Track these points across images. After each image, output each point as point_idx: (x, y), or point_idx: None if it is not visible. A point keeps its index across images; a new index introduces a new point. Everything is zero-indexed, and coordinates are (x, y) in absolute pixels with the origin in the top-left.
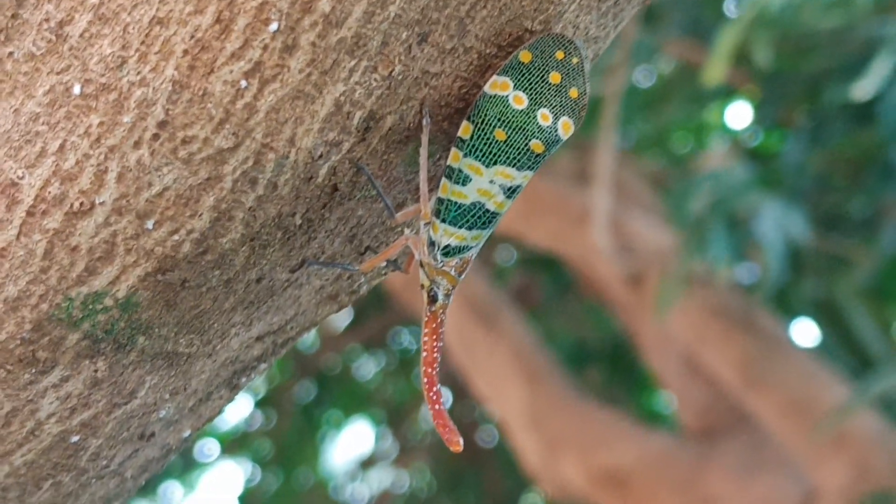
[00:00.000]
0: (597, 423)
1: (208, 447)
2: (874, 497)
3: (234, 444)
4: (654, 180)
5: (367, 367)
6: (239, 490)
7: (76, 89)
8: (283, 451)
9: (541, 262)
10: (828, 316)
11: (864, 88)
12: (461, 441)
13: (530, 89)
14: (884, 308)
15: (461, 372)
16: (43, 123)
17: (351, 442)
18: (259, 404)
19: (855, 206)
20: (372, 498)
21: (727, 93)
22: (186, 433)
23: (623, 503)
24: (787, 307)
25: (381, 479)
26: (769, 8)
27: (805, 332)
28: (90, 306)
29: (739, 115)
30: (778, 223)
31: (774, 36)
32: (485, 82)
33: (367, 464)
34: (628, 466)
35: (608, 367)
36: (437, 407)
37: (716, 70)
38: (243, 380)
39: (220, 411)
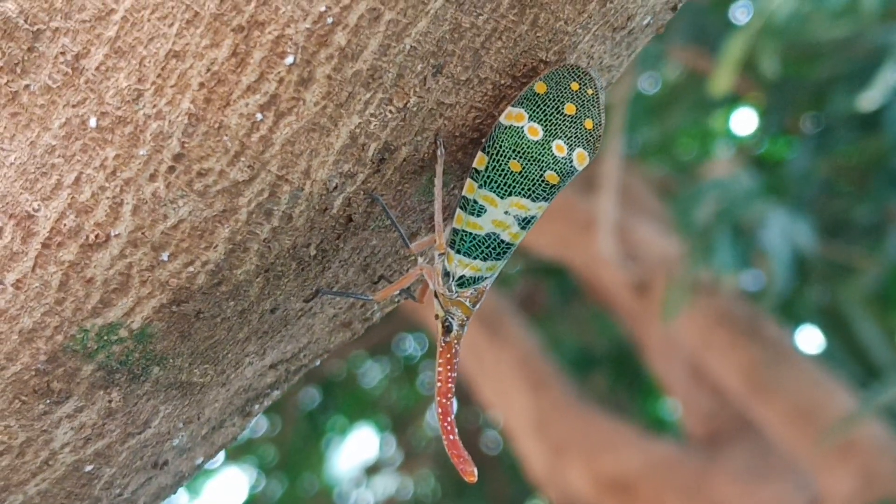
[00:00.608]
0: (602, 430)
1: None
2: None
3: (238, 450)
4: (660, 187)
5: (372, 374)
6: (243, 496)
7: (92, 122)
8: (288, 457)
9: (546, 269)
10: (833, 323)
11: (870, 99)
12: (475, 472)
13: (545, 120)
14: (889, 315)
15: (466, 378)
16: (59, 156)
17: (355, 448)
18: (264, 411)
19: (860, 214)
20: None
21: (732, 100)
22: (199, 460)
23: None
24: (792, 314)
25: (386, 485)
26: (776, 17)
27: (810, 339)
28: (105, 337)
29: (744, 122)
30: (784, 231)
31: (781, 45)
32: (500, 113)
33: (371, 470)
34: (634, 473)
35: (613, 373)
36: (451, 437)
37: (723, 80)
38: (256, 407)
39: (233, 439)
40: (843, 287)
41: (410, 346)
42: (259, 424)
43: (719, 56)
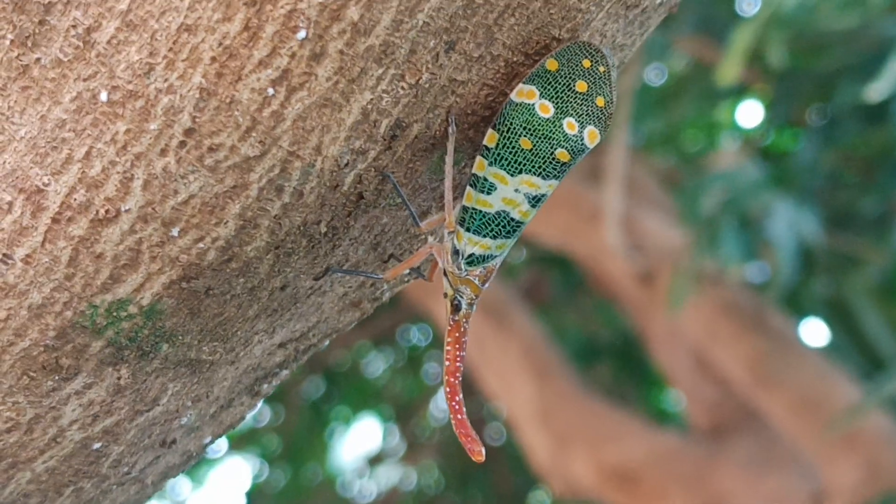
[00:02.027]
0: (606, 420)
1: (216, 443)
2: (884, 497)
3: (242, 439)
4: (666, 178)
5: (376, 364)
6: (247, 486)
7: (103, 96)
8: (292, 447)
9: (551, 259)
10: (838, 315)
11: (877, 90)
12: (483, 451)
13: (557, 98)
14: (894, 306)
15: (470, 368)
16: (69, 130)
17: (359, 438)
18: (267, 400)
19: (866, 205)
20: (380, 495)
21: (739, 91)
22: (207, 440)
23: (632, 500)
24: (797, 306)
25: (389, 475)
26: (783, 8)
27: (815, 331)
28: (114, 314)
29: (750, 113)
30: (789, 222)
31: (788, 35)
32: (511, 90)
33: (375, 460)
34: (638, 463)
35: (617, 364)
36: (459, 416)
37: (730, 70)
38: (265, 386)
39: (241, 418)
40: (848, 278)
41: (415, 336)
42: (263, 414)
43: (727, 46)
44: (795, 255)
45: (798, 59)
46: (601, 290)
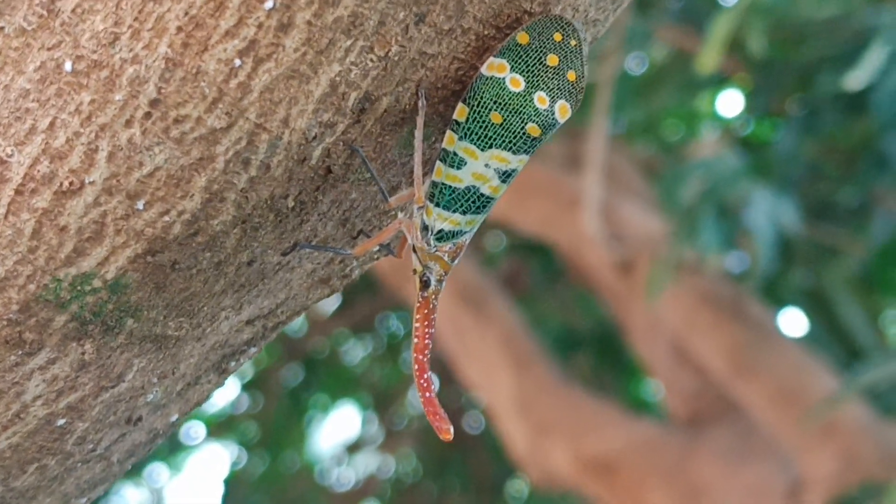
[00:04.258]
0: (585, 410)
1: (194, 430)
2: (861, 487)
3: (220, 426)
4: (646, 167)
5: (355, 352)
6: (225, 473)
7: (67, 66)
8: (270, 434)
9: (530, 247)
10: (817, 305)
11: (857, 78)
12: (451, 429)
13: (527, 71)
14: (873, 298)
15: (449, 357)
16: (33, 100)
17: (337, 426)
18: (246, 387)
19: (846, 196)
20: (358, 482)
21: (719, 81)
22: (174, 418)
23: (610, 490)
24: (776, 296)
25: (367, 463)
26: None
27: (794, 321)
28: (78, 287)
29: (730, 103)
30: (769, 212)
31: (769, 25)
32: (482, 64)
33: (353, 448)
34: (616, 453)
35: (596, 353)
36: (427, 395)
37: (709, 58)
38: (232, 364)
39: (208, 396)
40: (827, 269)
41: (394, 324)
42: (241, 401)
43: (707, 35)
44: (774, 244)
45: (778, 49)
46: (580, 279)
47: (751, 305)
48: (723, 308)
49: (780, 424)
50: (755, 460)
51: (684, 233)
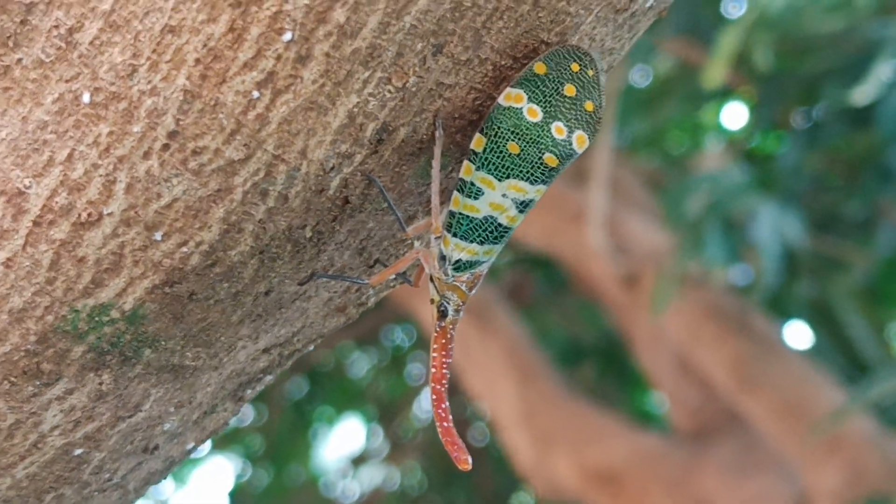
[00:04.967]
0: (589, 422)
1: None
2: (867, 501)
3: (225, 439)
4: (650, 180)
5: (360, 364)
6: (230, 485)
7: (85, 98)
8: (275, 446)
9: (534, 260)
10: (822, 318)
11: (864, 93)
12: (469, 459)
13: (545, 102)
14: (877, 310)
15: (454, 369)
16: (51, 132)
17: (342, 439)
18: (251, 400)
19: (850, 208)
20: (363, 495)
21: (723, 94)
22: (190, 445)
23: (615, 502)
24: (780, 309)
25: (372, 476)
26: (770, 10)
27: (798, 333)
28: (96, 318)
29: (735, 115)
30: (774, 225)
31: (775, 38)
32: (499, 94)
33: (358, 461)
34: (620, 465)
35: (600, 365)
36: (445, 424)
37: (716, 72)
38: (248, 392)
39: (224, 424)
40: (832, 282)
41: (398, 336)
42: (246, 414)
43: (712, 48)
44: (779, 257)
45: (783, 62)
46: (584, 291)
47: (756, 319)
48: (727, 321)
49: (784, 437)
50: (759, 473)
51: (689, 246)
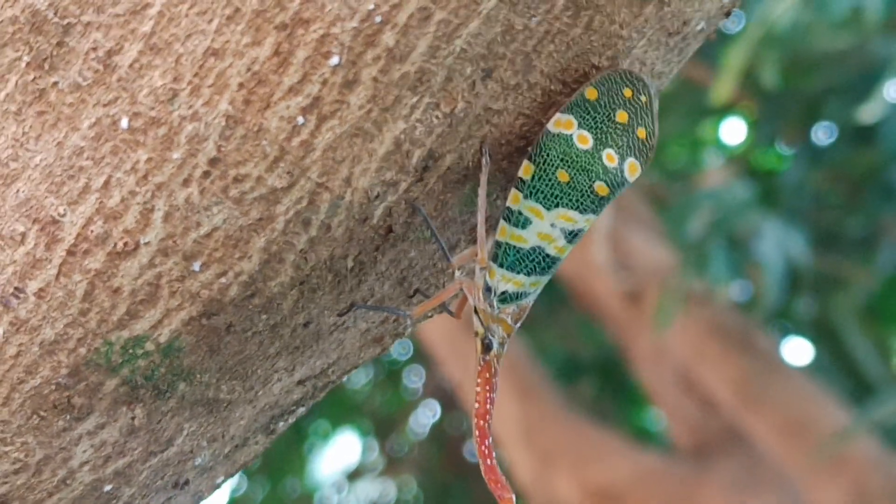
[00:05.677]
0: (589, 439)
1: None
2: None
3: None
4: (649, 194)
5: (356, 378)
6: (225, 499)
7: (124, 123)
8: (270, 460)
9: None
10: (824, 335)
11: (871, 111)
12: (514, 498)
13: (596, 128)
14: (880, 328)
15: (451, 384)
16: (87, 158)
17: (338, 453)
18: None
19: (853, 226)
20: None
21: (723, 109)
22: (220, 479)
23: None
24: (782, 325)
25: (368, 490)
26: (777, 27)
27: (800, 351)
28: (130, 351)
29: (733, 131)
30: (777, 242)
31: (781, 55)
32: (548, 120)
33: (353, 475)
34: (621, 483)
35: (599, 382)
36: (489, 462)
37: (723, 89)
38: (280, 424)
39: (255, 457)
40: (834, 299)
41: (395, 350)
42: None
43: (716, 65)
44: (782, 275)
45: (787, 79)
46: (584, 307)
47: (759, 337)
48: (731, 339)
49: (787, 456)
50: (761, 492)
51: (693, 263)
